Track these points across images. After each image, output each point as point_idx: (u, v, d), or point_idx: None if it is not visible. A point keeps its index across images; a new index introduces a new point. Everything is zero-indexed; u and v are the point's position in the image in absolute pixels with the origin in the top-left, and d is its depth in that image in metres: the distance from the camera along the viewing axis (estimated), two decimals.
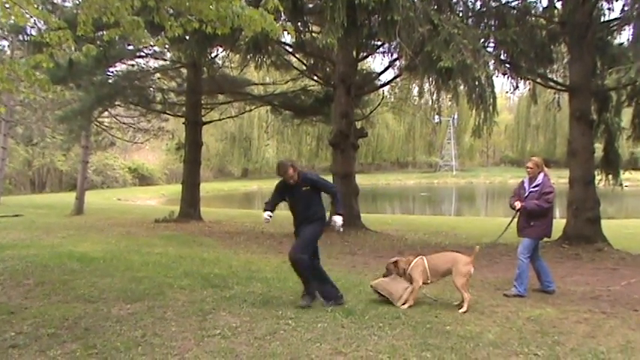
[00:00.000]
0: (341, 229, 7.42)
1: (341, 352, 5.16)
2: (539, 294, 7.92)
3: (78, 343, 5.29)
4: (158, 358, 4.91)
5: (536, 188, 7.92)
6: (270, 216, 7.38)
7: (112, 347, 5.15)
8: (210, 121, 23.24)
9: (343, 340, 5.49)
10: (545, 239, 8.36)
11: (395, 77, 19.26)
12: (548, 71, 14.30)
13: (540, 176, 7.95)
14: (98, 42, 13.24)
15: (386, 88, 21.76)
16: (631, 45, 12.60)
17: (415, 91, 18.90)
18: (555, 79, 14.57)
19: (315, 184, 7.35)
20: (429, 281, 7.16)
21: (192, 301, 6.91)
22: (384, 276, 7.35)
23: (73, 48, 7.37)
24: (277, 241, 14.01)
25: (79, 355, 4.96)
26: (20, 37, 16.53)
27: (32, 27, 13.42)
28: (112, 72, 19.25)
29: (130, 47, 17.41)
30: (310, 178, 7.41)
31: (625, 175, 14.49)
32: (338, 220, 7.26)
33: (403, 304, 6.89)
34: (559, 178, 21.19)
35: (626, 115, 13.85)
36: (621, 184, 14.26)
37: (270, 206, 7.40)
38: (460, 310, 6.74)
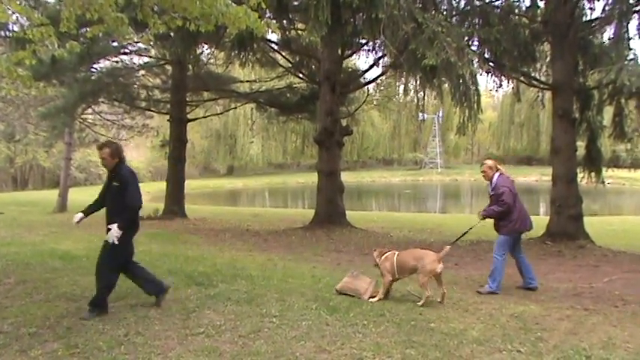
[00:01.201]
0: (114, 241, 6.16)
1: (325, 349, 5.16)
2: (523, 291, 7.99)
3: (60, 342, 5.24)
4: (141, 357, 4.89)
5: (492, 192, 8.05)
6: (82, 218, 6.54)
7: (95, 346, 5.11)
8: (196, 119, 23.15)
9: (327, 337, 5.49)
10: (529, 236, 8.45)
11: (380, 75, 19.32)
12: (531, 70, 14.41)
13: (495, 177, 8.03)
14: (82, 38, 13.15)
15: (371, 86, 21.85)
16: (612, 44, 12.73)
17: (400, 88, 18.96)
18: (538, 77, 14.68)
19: (124, 186, 6.24)
20: (397, 277, 7.27)
21: (175, 300, 6.87)
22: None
23: (56, 44, 7.32)
24: (262, 239, 14.00)
25: (60, 355, 4.92)
26: (2, 34, 16.33)
27: (14, 23, 13.26)
28: (96, 69, 19.11)
29: (114, 44, 17.29)
30: (123, 175, 6.31)
31: (607, 173, 14.63)
32: (112, 228, 6.20)
33: (372, 297, 7.08)
34: (542, 176, 21.35)
35: (608, 113, 13.98)
36: (603, 182, 14.39)
37: (94, 206, 6.63)
38: (418, 304, 6.90)
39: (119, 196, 6.25)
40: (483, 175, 8.21)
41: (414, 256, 7.27)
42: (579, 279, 9.05)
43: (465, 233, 8.38)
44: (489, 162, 8.27)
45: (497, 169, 8.11)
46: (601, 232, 14.72)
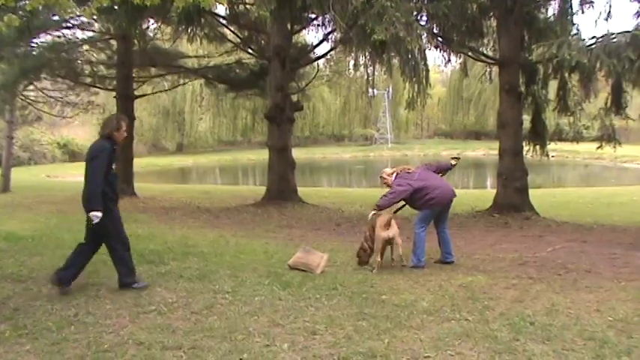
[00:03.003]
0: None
1: (279, 324, 5.20)
2: (472, 262, 8.19)
3: (7, 323, 5.13)
4: (92, 336, 4.83)
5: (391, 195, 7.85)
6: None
7: (43, 327, 5.03)
8: (143, 95, 22.62)
9: (281, 312, 5.54)
10: (477, 208, 8.61)
11: (330, 50, 19.26)
12: (479, 45, 14.60)
13: (392, 180, 7.93)
14: (20, 12, 12.64)
15: (321, 61, 21.75)
16: (556, 19, 13.03)
17: (350, 64, 18.99)
18: (486, 52, 14.90)
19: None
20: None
21: None
22: (358, 257, 7.76)
23: None
24: (214, 216, 13.93)
25: (8, 336, 4.82)
26: None
27: None
28: (37, 43, 18.41)
29: (55, 17, 16.66)
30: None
31: (551, 146, 15.03)
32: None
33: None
34: (490, 150, 21.77)
35: (552, 87, 14.31)
36: (547, 155, 14.78)
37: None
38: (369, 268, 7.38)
39: None
40: (384, 184, 8.11)
41: (373, 222, 7.68)
42: (525, 249, 9.34)
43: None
44: (387, 170, 8.18)
45: (395, 174, 7.97)
46: (545, 204, 15.18)
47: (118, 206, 6.44)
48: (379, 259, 7.42)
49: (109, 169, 6.19)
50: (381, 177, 8.19)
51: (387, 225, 7.44)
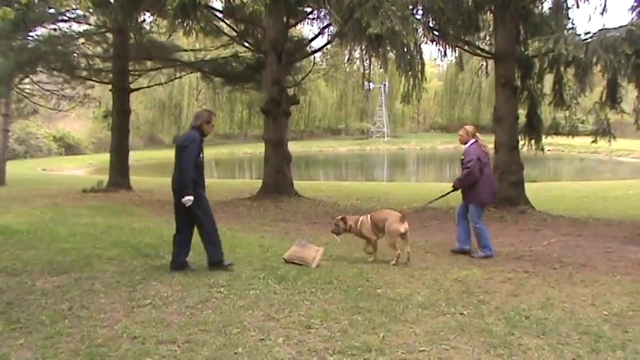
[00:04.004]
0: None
1: (273, 318, 5.20)
2: (467, 257, 8.21)
3: (0, 318, 5.10)
4: (86, 330, 4.81)
5: (462, 157, 8.33)
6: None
7: (37, 321, 5.01)
8: (139, 88, 22.58)
9: (276, 306, 5.54)
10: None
11: (326, 44, 19.19)
12: (474, 39, 14.58)
13: (468, 144, 8.27)
14: (16, 4, 12.58)
15: (317, 55, 21.71)
16: (552, 14, 13.02)
17: (347, 57, 18.97)
18: (482, 46, 14.88)
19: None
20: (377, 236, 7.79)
21: (121, 272, 6.80)
22: (332, 231, 8.05)
23: None
24: None
25: (1, 330, 4.79)
26: None
27: None
28: (33, 36, 18.32)
29: (51, 10, 16.61)
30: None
31: (547, 140, 15.04)
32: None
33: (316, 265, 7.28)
34: (486, 143, 21.77)
35: (548, 81, 14.32)
36: (543, 149, 14.78)
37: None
38: (392, 262, 7.49)
39: None
40: (459, 139, 8.47)
41: (381, 217, 7.77)
42: (520, 243, 9.36)
43: (434, 200, 9.03)
44: (468, 127, 8.54)
45: (474, 136, 8.31)
46: (541, 198, 15.21)
47: (205, 191, 7.01)
48: (398, 252, 7.57)
49: (197, 157, 6.75)
50: (460, 131, 8.53)
51: (402, 220, 7.60)
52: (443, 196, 8.74)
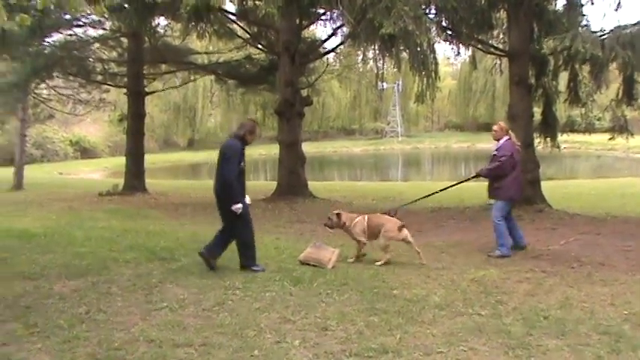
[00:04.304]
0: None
1: (289, 320, 5.20)
2: (483, 256, 8.17)
3: (19, 322, 5.14)
4: (103, 334, 4.84)
5: (496, 152, 8.40)
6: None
7: (55, 325, 5.04)
8: (154, 92, 22.73)
9: (292, 307, 5.54)
10: (490, 201, 8.78)
11: (339, 45, 19.19)
12: (488, 37, 14.47)
13: (503, 140, 8.38)
14: (32, 11, 12.71)
15: (331, 56, 21.73)
16: (566, 11, 12.90)
17: (360, 58, 18.90)
18: (495, 45, 14.78)
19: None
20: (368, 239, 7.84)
21: (137, 275, 6.82)
22: (325, 224, 8.11)
23: (5, 17, 7.05)
24: None
25: (19, 335, 4.83)
26: None
27: None
28: (49, 42, 18.50)
29: (67, 16, 16.76)
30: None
31: (562, 138, 14.91)
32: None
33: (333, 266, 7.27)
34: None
35: (563, 79, 14.19)
36: (559, 146, 14.66)
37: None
38: (377, 263, 7.49)
39: None
40: (493, 134, 8.56)
41: (378, 222, 7.76)
42: (537, 242, 9.27)
43: (447, 188, 9.41)
44: (502, 123, 8.69)
45: (507, 133, 8.42)
46: (557, 196, 15.06)
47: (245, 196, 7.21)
48: (388, 256, 7.60)
49: (238, 165, 6.96)
50: (494, 127, 8.61)
51: (400, 228, 7.61)
52: (462, 182, 9.29)
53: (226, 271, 6.99)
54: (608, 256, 8.14)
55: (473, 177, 9.00)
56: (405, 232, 7.63)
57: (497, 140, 8.44)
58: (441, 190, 9.64)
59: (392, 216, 8.11)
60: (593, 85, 12.74)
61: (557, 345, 4.55)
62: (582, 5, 12.88)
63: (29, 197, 18.16)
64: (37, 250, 8.33)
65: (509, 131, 8.48)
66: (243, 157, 7.10)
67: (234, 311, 5.44)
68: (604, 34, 11.11)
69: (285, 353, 4.42)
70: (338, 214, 8.03)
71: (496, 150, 8.41)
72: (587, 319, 5.18)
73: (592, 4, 12.73)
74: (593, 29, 11.99)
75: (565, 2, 13.01)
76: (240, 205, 6.90)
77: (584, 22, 12.85)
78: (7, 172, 23.99)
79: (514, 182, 8.27)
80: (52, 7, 7.56)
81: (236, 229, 7.15)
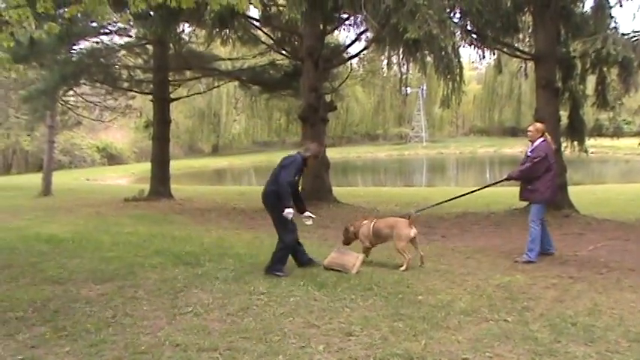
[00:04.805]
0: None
1: (314, 325, 5.19)
2: (509, 262, 8.07)
3: (47, 325, 5.23)
4: (129, 337, 4.88)
5: (530, 153, 8.29)
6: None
7: (82, 329, 5.10)
8: (179, 98, 22.93)
9: (316, 313, 5.53)
10: (516, 206, 8.73)
11: (363, 49, 19.18)
12: (514, 40, 14.35)
13: (538, 141, 8.26)
14: (60, 19, 12.92)
15: (354, 61, 21.70)
16: (593, 13, 12.73)
17: (384, 63, 18.86)
18: (521, 48, 14.64)
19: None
20: (373, 243, 7.92)
21: (163, 280, 6.88)
22: (343, 242, 8.11)
23: (33, 26, 7.18)
24: (249, 217, 13.97)
25: (48, 338, 4.90)
26: None
27: None
28: (76, 50, 18.80)
29: (94, 24, 17.02)
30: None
31: (590, 142, 14.70)
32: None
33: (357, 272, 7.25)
34: (526, 147, 21.38)
35: (591, 82, 14.01)
36: (586, 151, 14.45)
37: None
38: (401, 269, 7.35)
39: None
40: (528, 135, 8.44)
41: (387, 224, 7.78)
42: (564, 247, 9.14)
43: (471, 192, 9.35)
44: (538, 125, 8.52)
45: (543, 135, 8.28)
46: (585, 201, 14.84)
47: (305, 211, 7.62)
48: (409, 257, 7.51)
49: (293, 177, 7.32)
50: (529, 127, 8.51)
51: (410, 225, 7.62)
52: (492, 185, 9.42)
53: (251, 276, 7.00)
54: (638, 262, 7.99)
55: (502, 180, 8.89)
56: (415, 230, 7.64)
57: (532, 142, 8.30)
58: (461, 196, 9.44)
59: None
60: (621, 88, 12.57)
61: (585, 352, 4.48)
62: (611, 7, 12.70)
63: (57, 203, 18.42)
64: (65, 255, 8.46)
65: (545, 132, 8.33)
66: (300, 172, 7.46)
67: (258, 316, 5.45)
68: (635, 36, 10.94)
69: (310, 358, 4.41)
70: (345, 229, 8.14)
71: (530, 151, 8.28)
72: (616, 326, 5.09)
73: (621, 5, 12.52)
74: (621, 31, 11.81)
75: (593, 4, 12.85)
76: (291, 210, 7.10)
77: (612, 25, 12.67)
78: (36, 178, 24.40)
79: (550, 184, 8.13)
80: (79, 15, 7.65)
81: (281, 233, 7.35)
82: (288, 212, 7.07)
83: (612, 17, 12.79)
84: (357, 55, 19.93)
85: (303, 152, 7.55)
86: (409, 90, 50.32)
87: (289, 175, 7.24)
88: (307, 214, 7.53)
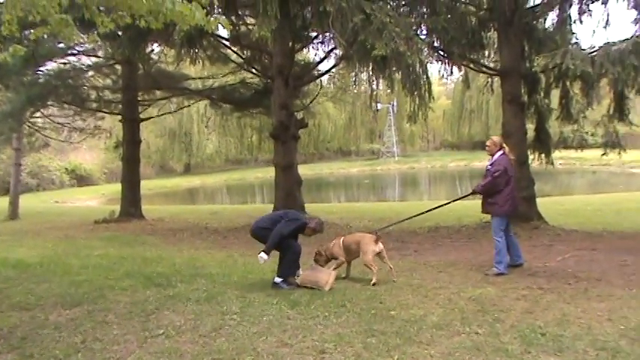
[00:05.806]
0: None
1: (287, 343, 5.18)
2: (480, 274, 8.14)
3: (14, 353, 5.13)
4: None
5: (490, 167, 8.42)
6: None
7: (51, 355, 5.02)
8: (149, 118, 22.80)
9: (289, 331, 5.52)
10: (486, 219, 8.82)
11: (333, 67, 19.36)
12: (479, 57, 14.60)
13: (497, 155, 8.40)
14: (25, 41, 12.79)
15: (325, 78, 21.85)
16: (556, 29, 13.05)
17: (354, 80, 19.06)
18: (487, 64, 14.90)
19: None
20: (346, 259, 7.99)
21: (134, 302, 6.80)
22: (315, 261, 8.08)
23: None
24: (221, 236, 13.92)
25: None
26: None
27: None
28: (43, 71, 18.60)
29: (61, 45, 16.88)
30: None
31: (557, 154, 14.96)
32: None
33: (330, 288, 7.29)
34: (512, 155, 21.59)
35: (555, 96, 14.29)
36: (553, 163, 14.70)
37: None
38: (371, 283, 7.44)
39: None
40: (486, 149, 8.58)
41: (354, 240, 7.90)
42: (534, 259, 9.27)
43: (446, 203, 9.40)
44: (495, 138, 8.68)
45: (501, 148, 8.43)
46: (553, 212, 15.08)
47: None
48: (375, 269, 7.60)
49: (287, 234, 7.51)
50: (487, 142, 8.68)
51: (376, 241, 7.72)
52: (458, 199, 9.56)
53: (223, 297, 6.96)
54: (605, 271, 8.14)
55: (468, 195, 9.01)
56: (380, 245, 7.74)
57: (492, 155, 8.44)
58: (427, 211, 9.50)
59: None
60: (584, 101, 12.85)
61: None
62: (572, 23, 13.02)
63: (25, 227, 18.11)
64: (33, 280, 8.31)
65: (503, 145, 8.48)
66: (295, 233, 7.67)
67: (231, 336, 5.42)
68: (594, 51, 11.23)
69: None
70: (318, 253, 8.16)
71: (490, 165, 8.43)
72: (585, 335, 5.17)
73: (581, 22, 12.84)
74: (583, 47, 12.10)
75: (555, 20, 13.16)
76: (266, 257, 7.29)
77: (574, 40, 12.99)
78: (3, 202, 23.98)
79: (508, 197, 8.25)
80: (45, 36, 7.59)
81: (288, 249, 7.59)
82: (262, 257, 7.26)
83: (573, 33, 13.13)
84: (327, 72, 20.12)
85: (310, 223, 7.74)
86: (380, 106, 50.74)
87: (287, 229, 7.45)
88: (263, 254, 7.39)
